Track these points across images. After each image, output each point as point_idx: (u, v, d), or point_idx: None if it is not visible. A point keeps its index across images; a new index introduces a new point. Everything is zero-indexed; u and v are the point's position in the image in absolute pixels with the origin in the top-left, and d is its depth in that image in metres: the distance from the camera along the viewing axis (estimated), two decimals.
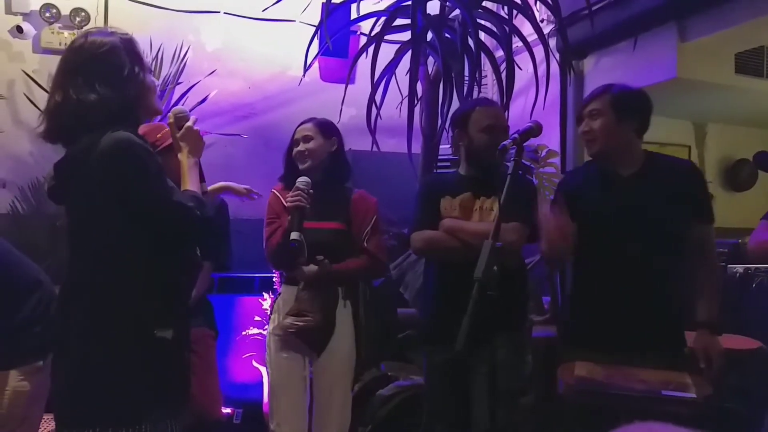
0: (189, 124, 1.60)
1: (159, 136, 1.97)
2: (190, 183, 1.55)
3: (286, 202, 2.21)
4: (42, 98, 3.65)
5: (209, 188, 1.89)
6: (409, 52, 2.97)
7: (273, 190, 2.40)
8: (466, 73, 3.03)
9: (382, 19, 3.13)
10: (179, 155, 1.59)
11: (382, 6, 3.27)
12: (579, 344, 1.99)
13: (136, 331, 1.42)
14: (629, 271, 1.93)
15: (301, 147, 2.31)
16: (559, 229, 1.92)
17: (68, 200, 1.52)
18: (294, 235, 2.14)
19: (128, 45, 1.51)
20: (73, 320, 1.42)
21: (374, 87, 3.10)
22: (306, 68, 3.37)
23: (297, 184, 2.19)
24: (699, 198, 1.99)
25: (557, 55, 3.49)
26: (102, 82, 1.44)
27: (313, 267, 2.20)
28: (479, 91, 3.13)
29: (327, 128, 2.37)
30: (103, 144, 1.39)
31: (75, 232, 1.49)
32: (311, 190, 2.19)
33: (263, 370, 3.41)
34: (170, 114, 1.63)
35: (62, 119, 1.47)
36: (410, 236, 2.22)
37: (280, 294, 2.38)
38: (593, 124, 2.01)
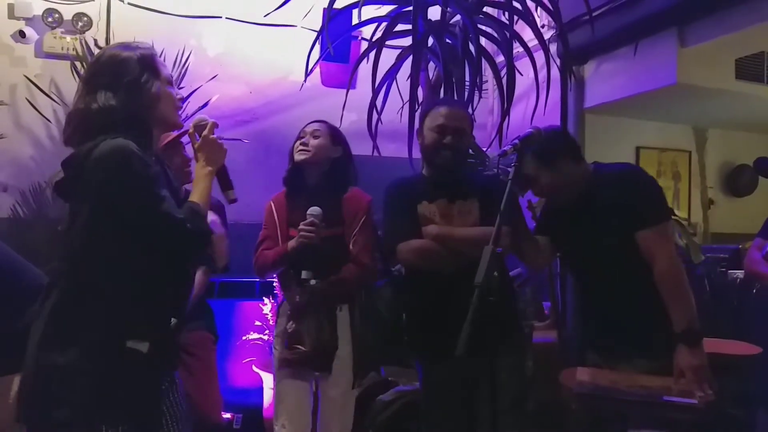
0: (205, 132, 1.61)
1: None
2: (197, 194, 1.55)
3: (298, 232, 2.17)
4: (44, 103, 3.71)
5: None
6: (410, 58, 2.98)
7: (271, 201, 2.39)
8: (467, 78, 3.04)
9: (384, 24, 3.14)
10: (196, 166, 1.60)
11: (383, 12, 3.28)
12: (584, 351, 2.07)
13: (105, 339, 1.40)
14: (596, 288, 2.02)
15: (306, 140, 2.30)
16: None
17: (68, 196, 1.55)
18: (305, 275, 2.16)
19: (145, 58, 1.54)
20: (46, 321, 1.41)
21: (375, 92, 3.11)
22: (307, 73, 3.37)
23: (309, 216, 2.16)
24: (634, 204, 1.90)
25: (558, 61, 3.50)
26: (107, 91, 1.47)
27: (303, 294, 2.18)
28: (480, 97, 3.14)
29: (336, 134, 2.37)
30: (98, 149, 1.41)
31: (64, 232, 1.51)
32: (323, 223, 2.17)
33: (263, 375, 3.41)
34: (192, 123, 1.65)
35: (71, 126, 1.51)
36: (394, 248, 2.11)
37: (283, 301, 2.37)
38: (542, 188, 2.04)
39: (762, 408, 2.69)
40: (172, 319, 1.54)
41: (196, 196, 1.55)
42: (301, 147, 2.30)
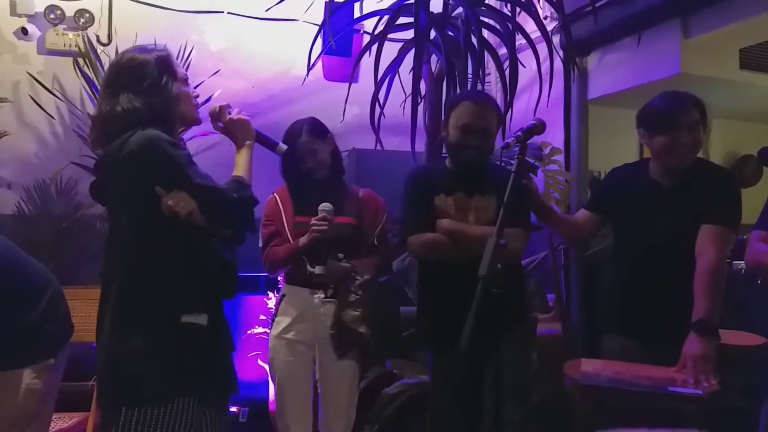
0: (223, 119, 1.73)
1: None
2: (239, 168, 1.67)
3: (312, 228, 2.18)
4: (47, 100, 3.72)
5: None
6: (413, 51, 2.97)
7: (274, 194, 2.39)
8: (470, 71, 3.03)
9: (385, 17, 3.13)
10: (236, 149, 1.73)
11: (385, 4, 3.27)
12: (611, 328, 2.11)
13: (168, 317, 1.51)
14: (656, 272, 1.99)
15: (310, 163, 2.29)
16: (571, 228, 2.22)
17: (106, 197, 1.64)
18: (318, 270, 2.18)
19: (161, 59, 1.63)
20: (112, 309, 1.52)
21: (377, 85, 3.10)
22: (309, 67, 3.37)
23: (321, 210, 2.18)
24: (718, 202, 1.94)
25: (561, 52, 3.49)
26: (129, 93, 1.56)
27: (336, 265, 2.21)
28: (483, 89, 3.13)
29: (318, 130, 2.34)
30: (130, 142, 1.49)
31: (111, 226, 1.60)
32: (334, 217, 2.19)
33: (268, 368, 3.42)
34: (209, 116, 1.75)
35: (96, 129, 1.60)
36: (406, 239, 2.15)
37: (284, 296, 2.38)
38: (692, 137, 1.98)
39: (767, 399, 2.69)
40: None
41: (239, 170, 1.67)
42: (310, 171, 2.30)
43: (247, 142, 1.73)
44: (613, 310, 2.16)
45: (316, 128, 2.33)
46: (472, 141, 2.08)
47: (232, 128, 1.73)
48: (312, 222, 2.18)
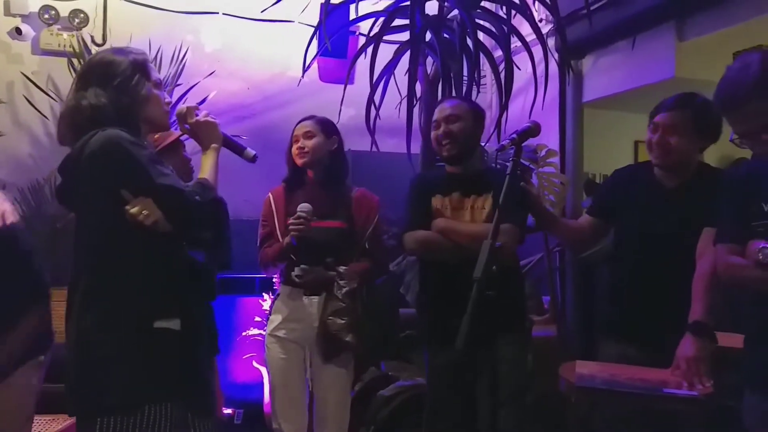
0: (189, 120, 1.68)
1: (156, 137, 2.03)
2: (204, 170, 1.62)
3: (289, 229, 2.19)
4: (41, 100, 3.70)
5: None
6: (408, 53, 2.97)
7: (269, 193, 2.40)
8: (465, 73, 3.04)
9: (381, 19, 3.14)
10: (202, 152, 1.68)
11: (380, 6, 3.27)
12: (610, 333, 2.08)
13: (137, 322, 1.46)
14: (658, 275, 1.97)
15: (301, 143, 2.31)
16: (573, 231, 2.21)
17: (71, 200, 1.59)
18: (297, 271, 2.19)
19: (137, 61, 1.60)
20: (77, 316, 1.47)
21: (373, 87, 3.10)
22: (305, 69, 3.37)
23: (298, 211, 2.18)
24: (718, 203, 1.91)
25: (556, 55, 3.49)
26: (97, 89, 1.53)
27: (317, 269, 2.21)
28: (478, 91, 3.13)
29: (328, 127, 2.37)
30: (92, 143, 1.46)
31: (77, 230, 1.56)
32: (314, 216, 2.19)
33: (264, 370, 3.41)
34: (176, 117, 1.71)
35: (63, 122, 1.57)
36: (402, 236, 2.21)
37: (278, 295, 2.38)
38: (670, 139, 1.96)
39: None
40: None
41: (203, 172, 1.62)
42: (298, 151, 2.31)
43: (213, 145, 1.67)
44: (613, 314, 2.14)
45: (323, 122, 2.37)
46: (441, 131, 2.18)
47: (198, 130, 1.68)
48: (289, 222, 2.18)
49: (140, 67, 1.60)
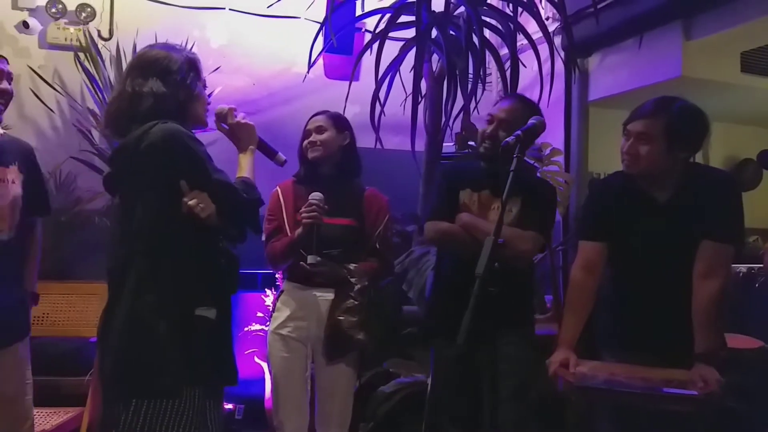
0: (229, 120, 1.79)
1: None
2: (244, 170, 1.74)
3: (300, 217, 2.17)
4: (48, 94, 3.71)
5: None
6: (414, 50, 2.97)
7: (277, 187, 2.39)
8: (471, 70, 3.03)
9: (387, 16, 3.13)
10: (238, 151, 1.79)
11: (386, 3, 3.27)
12: (605, 346, 2.02)
13: (178, 310, 1.53)
14: (655, 286, 1.90)
15: (313, 137, 2.30)
16: None
17: (120, 189, 1.66)
18: (311, 259, 2.15)
19: (191, 60, 1.69)
20: (131, 297, 1.53)
21: (378, 84, 3.10)
22: (310, 65, 3.37)
23: (310, 200, 2.16)
24: (719, 215, 1.83)
25: (562, 53, 3.49)
26: (158, 80, 1.60)
27: (331, 263, 2.20)
28: (483, 89, 3.13)
29: (340, 122, 2.36)
30: (152, 134, 1.52)
31: (123, 218, 1.61)
32: (325, 206, 2.16)
33: (265, 366, 3.42)
34: (215, 115, 1.80)
35: (115, 107, 1.62)
36: (424, 223, 2.21)
37: (282, 291, 2.38)
38: (640, 149, 1.86)
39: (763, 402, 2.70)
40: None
41: (243, 171, 1.73)
42: (310, 145, 2.31)
43: (250, 146, 1.78)
44: (612, 327, 2.06)
45: (336, 117, 2.37)
46: (489, 131, 2.15)
47: (237, 131, 1.78)
48: (302, 211, 2.17)
49: (194, 65, 1.68)
